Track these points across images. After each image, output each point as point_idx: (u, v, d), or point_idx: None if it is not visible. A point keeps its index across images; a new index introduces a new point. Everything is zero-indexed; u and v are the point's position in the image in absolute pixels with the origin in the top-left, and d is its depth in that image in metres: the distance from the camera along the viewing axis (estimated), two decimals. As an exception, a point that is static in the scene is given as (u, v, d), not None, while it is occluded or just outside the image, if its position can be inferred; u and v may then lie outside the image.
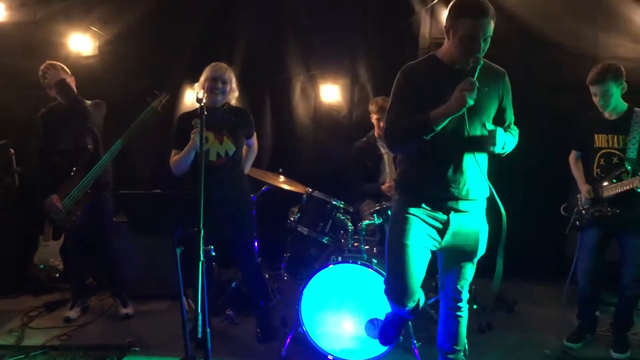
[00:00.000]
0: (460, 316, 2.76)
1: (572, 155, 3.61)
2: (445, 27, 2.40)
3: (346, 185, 4.27)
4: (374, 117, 4.13)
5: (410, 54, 4.60)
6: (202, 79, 3.38)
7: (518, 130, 2.67)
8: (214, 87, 3.34)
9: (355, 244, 3.44)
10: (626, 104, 3.30)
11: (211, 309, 3.76)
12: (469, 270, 2.68)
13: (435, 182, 2.50)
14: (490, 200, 2.51)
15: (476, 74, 2.29)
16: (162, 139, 4.04)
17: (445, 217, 2.53)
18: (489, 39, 2.33)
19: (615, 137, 3.29)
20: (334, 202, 3.59)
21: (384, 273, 3.12)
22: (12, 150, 4.55)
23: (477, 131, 2.45)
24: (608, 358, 3.41)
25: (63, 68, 3.77)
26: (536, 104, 4.32)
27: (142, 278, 4.25)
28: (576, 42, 4.32)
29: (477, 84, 2.25)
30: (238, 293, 4.13)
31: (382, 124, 3.92)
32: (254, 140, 3.72)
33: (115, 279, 4.11)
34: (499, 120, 2.57)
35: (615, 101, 3.25)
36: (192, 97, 4.41)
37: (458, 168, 2.47)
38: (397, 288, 2.63)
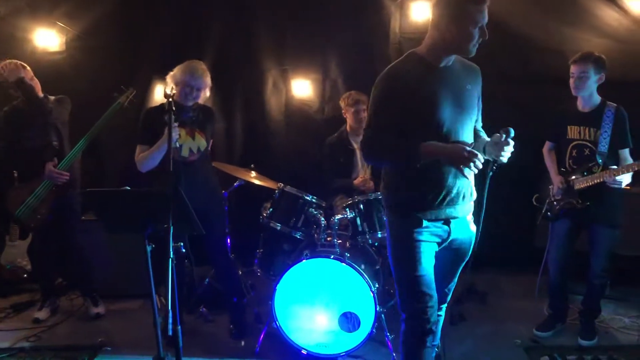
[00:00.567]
0: (440, 315, 2.72)
1: (546, 146, 3.68)
2: (435, 18, 2.24)
3: (319, 180, 4.27)
4: (346, 112, 4.14)
5: (381, 49, 4.62)
6: (177, 77, 3.30)
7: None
8: (189, 93, 3.30)
9: (328, 239, 3.45)
10: (600, 98, 3.36)
11: (184, 307, 3.78)
12: (458, 273, 2.64)
13: (431, 191, 2.35)
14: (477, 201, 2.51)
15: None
16: (132, 135, 3.97)
17: (447, 227, 2.42)
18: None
19: (587, 129, 3.36)
20: (307, 197, 3.58)
21: (357, 267, 3.15)
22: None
23: (470, 131, 2.43)
24: (576, 345, 3.48)
25: (23, 65, 3.67)
26: (504, 97, 4.35)
27: (113, 277, 4.20)
28: (544, 36, 4.37)
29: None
30: (211, 290, 4.10)
31: (364, 114, 3.92)
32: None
33: (85, 279, 4.05)
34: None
35: (589, 88, 3.29)
36: (162, 92, 4.35)
37: (452, 173, 2.34)
38: (417, 308, 2.44)
